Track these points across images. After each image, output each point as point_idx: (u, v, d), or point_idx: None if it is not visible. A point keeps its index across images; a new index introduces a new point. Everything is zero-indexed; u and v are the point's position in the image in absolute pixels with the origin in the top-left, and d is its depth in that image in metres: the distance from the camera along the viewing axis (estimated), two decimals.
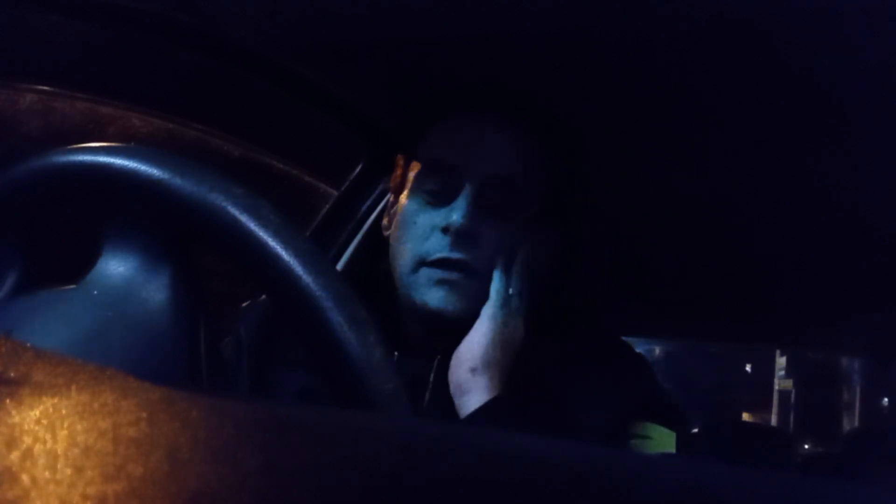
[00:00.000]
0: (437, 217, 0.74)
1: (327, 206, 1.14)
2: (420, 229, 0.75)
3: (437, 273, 0.73)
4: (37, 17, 0.83)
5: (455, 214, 0.72)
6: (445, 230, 0.72)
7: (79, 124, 0.95)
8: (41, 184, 0.44)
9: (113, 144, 0.42)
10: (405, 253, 0.75)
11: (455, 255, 0.72)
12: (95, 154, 0.41)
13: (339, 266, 1.10)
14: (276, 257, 0.37)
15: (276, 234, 0.38)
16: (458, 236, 0.72)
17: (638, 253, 1.34)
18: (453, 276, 0.73)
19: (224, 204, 0.38)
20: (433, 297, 0.73)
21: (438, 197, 0.75)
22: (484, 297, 0.73)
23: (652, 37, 0.68)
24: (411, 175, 0.79)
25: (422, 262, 0.73)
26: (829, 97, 0.74)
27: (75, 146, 0.42)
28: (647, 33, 0.67)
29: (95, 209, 0.43)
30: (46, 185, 0.44)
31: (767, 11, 0.60)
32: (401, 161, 0.83)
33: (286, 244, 0.37)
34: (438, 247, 0.73)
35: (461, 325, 0.74)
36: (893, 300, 1.33)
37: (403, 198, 0.79)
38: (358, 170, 1.11)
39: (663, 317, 1.98)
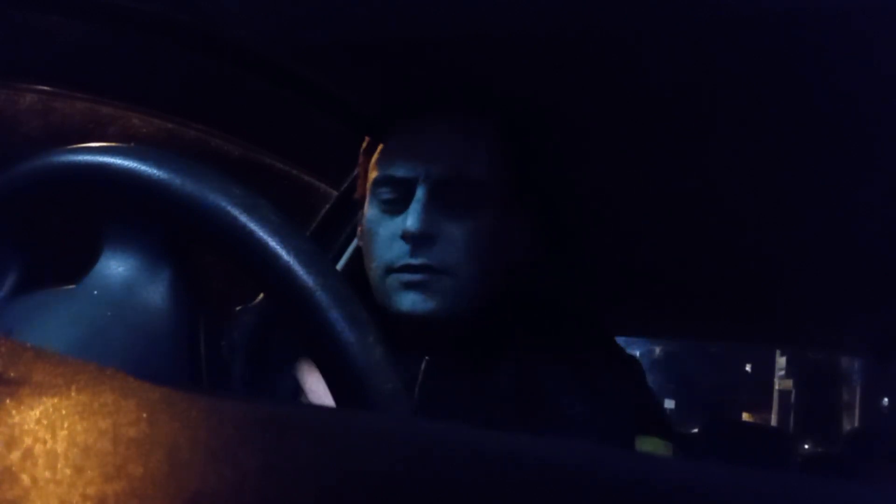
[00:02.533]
0: (395, 224, 0.75)
1: (327, 206, 1.14)
2: (382, 238, 0.76)
3: (405, 276, 0.74)
4: (37, 17, 0.83)
5: (409, 220, 0.73)
6: (404, 236, 0.74)
7: (79, 124, 0.95)
8: (41, 184, 0.44)
9: (113, 144, 0.42)
10: (373, 262, 0.77)
11: (416, 261, 0.73)
12: (95, 154, 0.41)
13: (339, 266, 1.10)
14: (276, 257, 0.37)
15: (276, 234, 0.38)
16: (416, 241, 0.73)
17: (638, 253, 1.35)
18: (418, 277, 0.73)
19: (224, 204, 0.38)
20: (404, 300, 0.74)
21: (394, 204, 0.76)
22: (456, 294, 0.74)
23: (649, 36, 0.68)
24: (369, 184, 0.80)
25: (389, 270, 0.75)
26: (829, 97, 0.74)
27: (75, 146, 0.42)
28: (643, 32, 0.67)
29: (95, 209, 0.43)
30: (46, 185, 0.44)
31: (766, 11, 0.60)
32: (363, 171, 0.84)
33: (286, 244, 0.37)
34: (401, 253, 0.74)
35: (438, 324, 0.75)
36: (893, 300, 1.33)
37: (366, 207, 0.80)
38: (358, 170, 1.11)
39: (663, 317, 1.98)
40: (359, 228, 0.86)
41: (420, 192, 0.74)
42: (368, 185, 0.80)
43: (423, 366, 0.76)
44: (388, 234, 0.75)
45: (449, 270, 0.74)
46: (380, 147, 0.80)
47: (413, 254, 0.73)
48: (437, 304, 0.74)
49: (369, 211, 0.79)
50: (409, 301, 0.73)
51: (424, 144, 0.77)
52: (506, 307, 0.81)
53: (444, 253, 0.74)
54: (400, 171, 0.76)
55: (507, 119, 0.80)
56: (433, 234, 0.73)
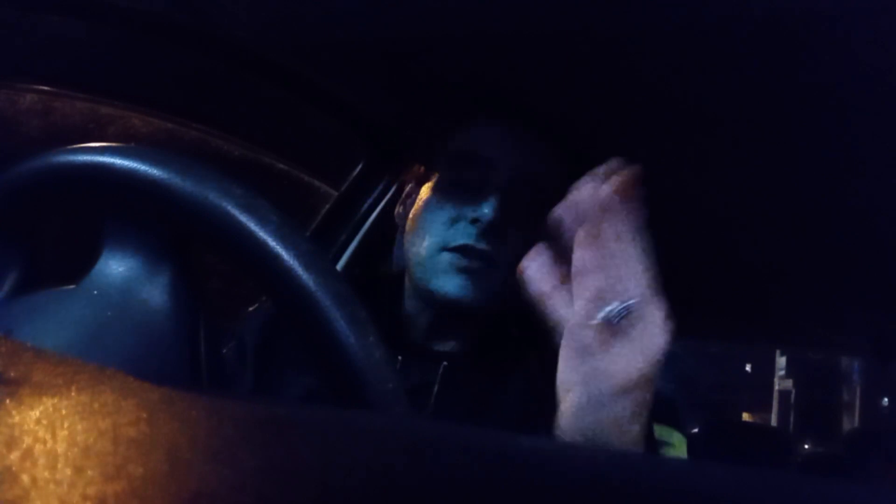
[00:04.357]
0: (466, 208, 0.73)
1: (327, 206, 1.14)
2: (445, 217, 0.74)
3: (459, 260, 0.72)
4: (37, 17, 0.83)
5: (487, 207, 0.71)
6: (475, 221, 0.72)
7: (79, 124, 0.95)
8: (41, 184, 0.44)
9: (113, 144, 0.42)
10: (425, 239, 0.74)
11: (480, 245, 0.71)
12: (95, 154, 0.41)
13: (339, 266, 1.10)
14: (276, 257, 0.37)
15: (276, 234, 0.38)
16: (488, 229, 0.71)
17: None
18: (474, 264, 0.71)
19: (224, 204, 0.38)
20: (453, 283, 0.72)
21: (468, 188, 0.74)
22: (502, 291, 0.72)
23: (659, 38, 0.68)
24: (438, 166, 0.79)
25: (443, 248, 0.72)
26: (830, 98, 0.74)
27: (75, 146, 0.42)
28: (656, 35, 0.67)
29: (95, 209, 0.43)
30: (46, 185, 0.44)
31: (785, 11, 0.60)
32: (423, 156, 0.83)
33: (286, 244, 0.37)
34: (464, 235, 0.72)
35: (476, 315, 0.74)
36: (893, 300, 1.33)
37: (427, 188, 0.78)
38: (358, 170, 1.11)
39: None
40: (399, 208, 0.85)
41: (501, 182, 0.73)
42: (438, 166, 0.78)
43: (440, 371, 0.75)
44: (452, 214, 0.73)
45: (502, 266, 0.72)
46: (456, 134, 0.79)
47: (479, 238, 0.71)
48: (482, 295, 0.72)
49: (434, 190, 0.77)
50: (457, 285, 0.71)
51: (510, 139, 0.76)
52: (522, 314, 0.80)
53: (504, 249, 0.72)
54: (483, 157, 0.74)
55: (563, 129, 0.79)
56: (503, 227, 0.72)
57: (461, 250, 0.72)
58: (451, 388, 0.74)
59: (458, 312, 0.74)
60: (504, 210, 0.72)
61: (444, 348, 0.77)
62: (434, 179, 0.78)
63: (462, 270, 0.72)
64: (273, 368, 0.78)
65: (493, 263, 0.72)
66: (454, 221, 0.73)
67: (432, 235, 0.74)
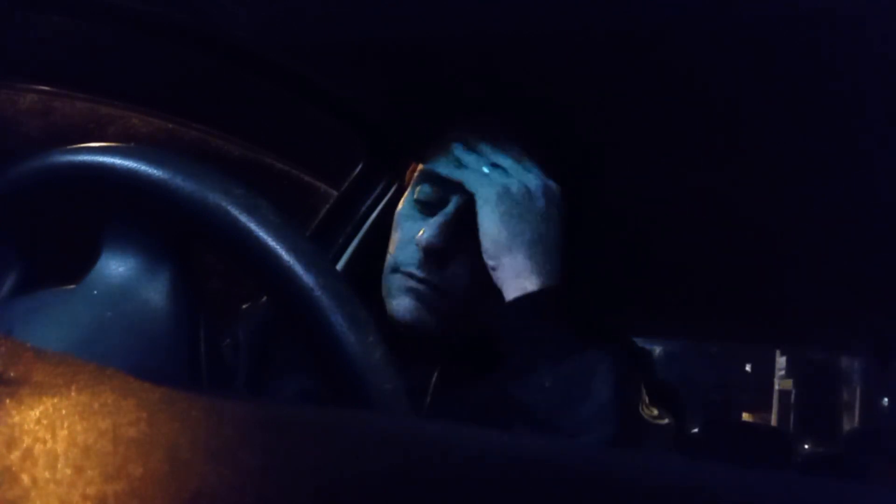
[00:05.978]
0: (419, 227, 0.70)
1: (327, 206, 1.14)
2: (403, 236, 0.72)
3: (407, 281, 0.69)
4: (37, 17, 0.83)
5: (428, 231, 0.68)
6: (418, 245, 0.69)
7: (79, 124, 0.95)
8: (41, 184, 0.44)
9: (113, 144, 0.42)
10: (387, 257, 0.73)
11: (420, 274, 0.69)
12: (95, 154, 0.41)
13: (339, 266, 1.10)
14: (276, 257, 0.37)
15: (276, 234, 0.38)
16: (427, 255, 0.68)
17: (638, 252, 1.34)
18: (421, 287, 0.69)
19: (224, 204, 0.38)
20: (399, 304, 0.70)
21: (427, 207, 0.72)
22: (456, 316, 0.70)
23: (658, 36, 0.68)
24: (413, 178, 0.77)
25: (395, 269, 0.71)
26: (830, 98, 0.74)
27: (75, 146, 0.42)
28: (653, 33, 0.67)
29: (95, 209, 0.43)
30: (46, 184, 0.44)
31: (779, 12, 0.60)
32: (413, 162, 0.81)
33: (286, 244, 0.37)
34: (411, 259, 0.70)
35: (432, 338, 0.71)
36: (893, 301, 1.33)
37: (402, 200, 0.77)
38: (358, 170, 1.11)
39: (663, 317, 1.98)
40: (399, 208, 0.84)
41: (452, 204, 0.69)
42: (414, 175, 0.76)
43: (436, 374, 0.73)
44: (409, 233, 0.71)
45: (452, 294, 0.69)
46: (432, 143, 0.76)
47: (420, 265, 0.69)
48: (429, 319, 0.69)
49: (403, 204, 0.75)
50: (404, 307, 0.69)
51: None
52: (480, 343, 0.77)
53: (454, 275, 0.69)
54: (444, 172, 0.70)
55: (547, 138, 0.75)
56: (448, 251, 0.68)
57: (408, 275, 0.70)
58: (446, 393, 0.73)
59: (408, 333, 0.70)
60: (450, 234, 0.68)
61: (428, 356, 0.73)
62: (407, 191, 0.76)
63: (409, 291, 0.69)
64: (267, 367, 0.77)
65: (438, 292, 0.69)
66: (407, 242, 0.71)
67: (390, 255, 0.72)
